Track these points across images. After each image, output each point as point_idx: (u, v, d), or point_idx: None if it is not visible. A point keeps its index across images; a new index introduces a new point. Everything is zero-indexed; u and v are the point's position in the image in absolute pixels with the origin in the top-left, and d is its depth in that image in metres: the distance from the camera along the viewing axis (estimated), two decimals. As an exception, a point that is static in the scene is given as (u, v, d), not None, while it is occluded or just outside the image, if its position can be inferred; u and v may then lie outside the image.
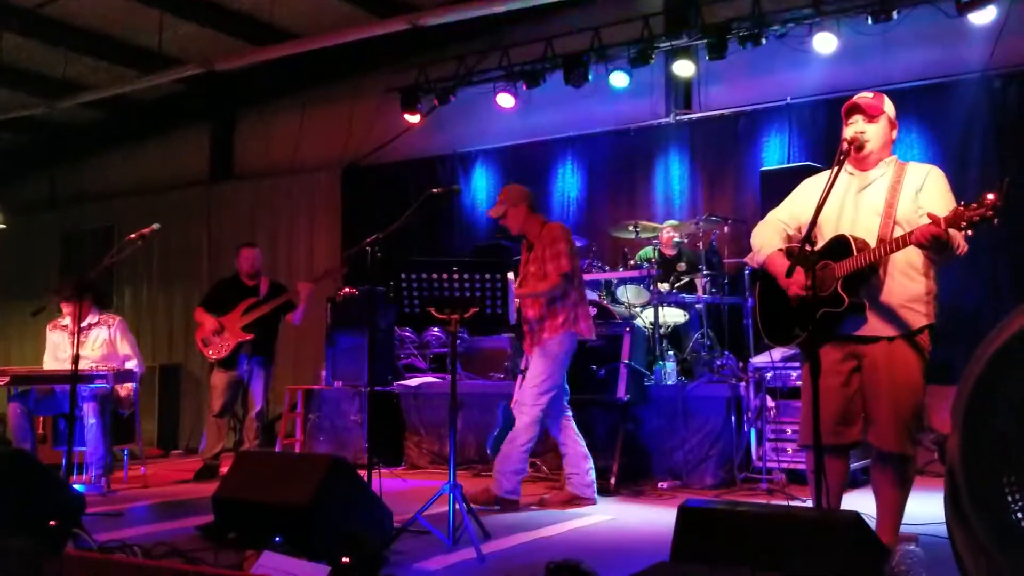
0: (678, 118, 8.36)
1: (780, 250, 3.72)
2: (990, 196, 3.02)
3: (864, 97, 3.66)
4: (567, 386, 5.44)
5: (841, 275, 3.45)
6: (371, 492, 4.12)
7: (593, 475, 5.42)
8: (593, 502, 5.35)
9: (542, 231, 5.33)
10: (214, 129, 11.25)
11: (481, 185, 9.36)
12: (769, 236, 3.80)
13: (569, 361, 5.33)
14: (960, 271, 6.26)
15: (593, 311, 6.70)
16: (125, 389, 6.63)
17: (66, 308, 6.64)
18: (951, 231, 3.18)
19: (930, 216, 3.21)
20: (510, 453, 5.25)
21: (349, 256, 5.64)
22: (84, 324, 6.57)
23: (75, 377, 5.27)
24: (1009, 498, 1.46)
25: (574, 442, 5.41)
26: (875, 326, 3.49)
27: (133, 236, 5.65)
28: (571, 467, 5.40)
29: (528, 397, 5.23)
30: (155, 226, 5.72)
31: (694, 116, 8.30)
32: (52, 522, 3.79)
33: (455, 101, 8.82)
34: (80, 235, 11.89)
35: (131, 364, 6.65)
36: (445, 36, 9.11)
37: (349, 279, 8.18)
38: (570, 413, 5.45)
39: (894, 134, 3.70)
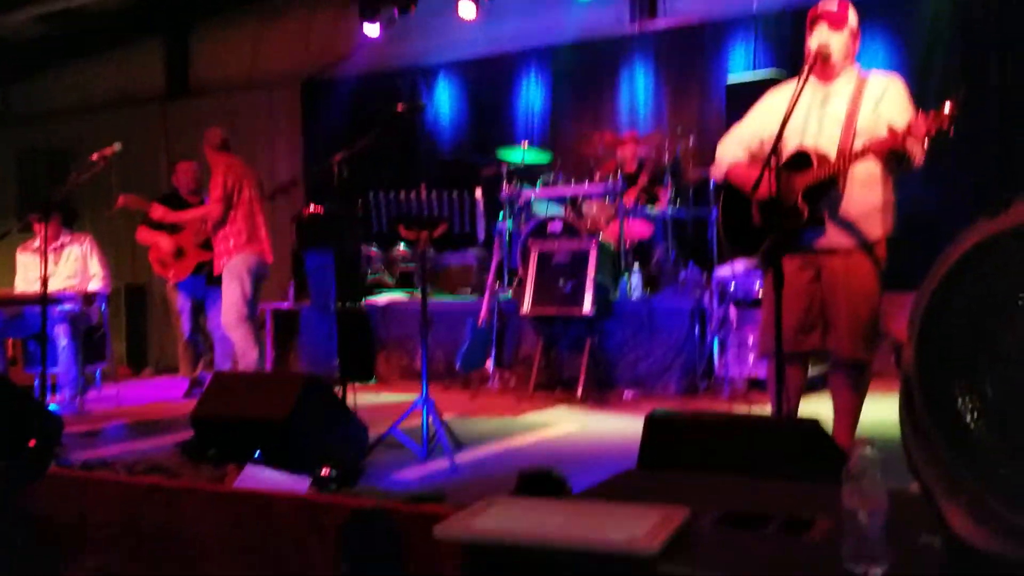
0: (642, 29, 8.28)
1: (743, 162, 3.77)
2: (946, 107, 3.07)
3: (829, 6, 3.65)
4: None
5: (801, 188, 3.52)
6: (346, 407, 4.22)
7: None
8: None
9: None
10: (168, 43, 10.91)
11: (444, 99, 9.25)
12: (732, 149, 3.85)
13: (251, 279, 5.96)
14: (919, 180, 6.36)
15: (558, 225, 6.78)
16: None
17: (39, 229, 6.57)
18: (908, 143, 3.25)
19: (888, 128, 3.27)
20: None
21: (314, 175, 5.61)
22: (57, 244, 6.52)
23: (44, 299, 5.26)
24: (959, 402, 1.55)
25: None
26: (834, 237, 3.57)
27: (95, 156, 5.55)
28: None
29: (232, 319, 5.96)
30: (116, 145, 5.60)
31: (660, 27, 8.22)
32: (32, 442, 3.83)
33: (416, 12, 8.64)
34: (35, 154, 11.57)
35: (95, 283, 6.62)
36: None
37: (314, 197, 8.10)
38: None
39: (857, 45, 3.71)
